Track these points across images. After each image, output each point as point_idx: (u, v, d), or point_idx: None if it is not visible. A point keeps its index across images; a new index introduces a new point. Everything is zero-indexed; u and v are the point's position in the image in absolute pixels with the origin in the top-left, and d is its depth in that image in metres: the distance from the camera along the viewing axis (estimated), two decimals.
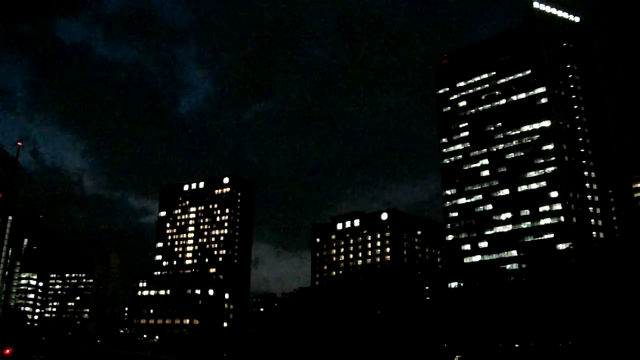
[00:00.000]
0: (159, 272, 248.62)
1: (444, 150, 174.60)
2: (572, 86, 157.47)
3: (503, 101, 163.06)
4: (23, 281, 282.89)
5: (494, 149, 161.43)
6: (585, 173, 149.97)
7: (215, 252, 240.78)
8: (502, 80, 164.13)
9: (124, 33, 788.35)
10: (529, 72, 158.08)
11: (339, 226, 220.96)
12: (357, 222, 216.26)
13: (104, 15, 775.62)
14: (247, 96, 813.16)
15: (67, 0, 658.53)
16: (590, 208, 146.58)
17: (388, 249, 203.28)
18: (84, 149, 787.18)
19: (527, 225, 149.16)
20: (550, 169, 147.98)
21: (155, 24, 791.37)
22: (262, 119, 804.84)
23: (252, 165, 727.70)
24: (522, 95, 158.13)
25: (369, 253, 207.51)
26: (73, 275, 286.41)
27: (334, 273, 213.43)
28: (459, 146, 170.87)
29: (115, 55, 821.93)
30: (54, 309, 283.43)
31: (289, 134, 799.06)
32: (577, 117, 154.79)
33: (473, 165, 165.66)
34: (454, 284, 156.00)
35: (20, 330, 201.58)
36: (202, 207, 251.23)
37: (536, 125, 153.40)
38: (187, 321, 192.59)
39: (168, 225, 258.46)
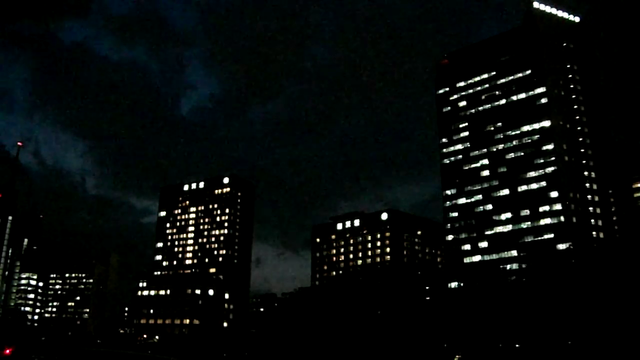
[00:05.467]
0: (159, 272, 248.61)
1: (444, 150, 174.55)
2: (572, 86, 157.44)
3: (503, 101, 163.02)
4: (23, 281, 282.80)
5: (494, 149, 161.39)
6: (585, 173, 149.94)
7: (215, 252, 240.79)
8: (502, 80, 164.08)
9: (129, 34, 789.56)
10: (529, 72, 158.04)
11: (339, 226, 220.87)
12: (357, 222, 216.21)
13: (110, 17, 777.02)
14: (249, 98, 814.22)
15: (73, 2, 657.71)
16: (590, 208, 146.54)
17: (388, 249, 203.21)
18: (85, 149, 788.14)
19: (527, 225, 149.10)
20: (550, 169, 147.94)
21: (161, 25, 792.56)
22: (263, 120, 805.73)
23: (252, 165, 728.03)
24: (522, 95, 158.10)
25: (369, 253, 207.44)
26: (73, 275, 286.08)
27: (334, 273, 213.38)
28: (459, 146, 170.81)
29: (119, 56, 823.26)
30: (54, 309, 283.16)
31: (290, 135, 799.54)
32: (577, 117, 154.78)
33: (473, 165, 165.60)
34: (454, 284, 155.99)
35: (20, 330, 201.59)
36: (202, 207, 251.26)
37: (536, 125, 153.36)
38: (187, 321, 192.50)
39: (168, 225, 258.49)
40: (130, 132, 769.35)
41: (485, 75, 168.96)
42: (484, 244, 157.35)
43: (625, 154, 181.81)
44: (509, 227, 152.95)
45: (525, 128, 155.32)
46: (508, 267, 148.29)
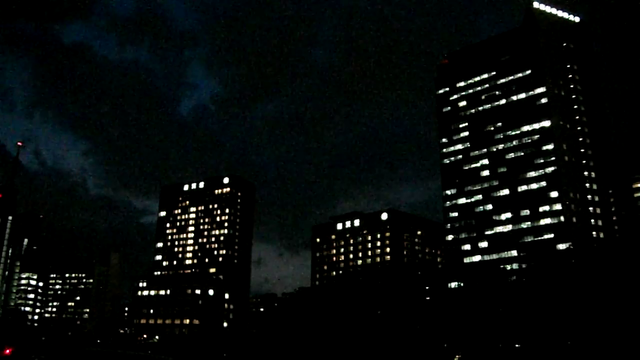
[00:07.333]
0: (159, 272, 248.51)
1: (444, 150, 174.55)
2: (572, 86, 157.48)
3: (503, 101, 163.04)
4: (23, 281, 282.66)
5: (494, 149, 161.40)
6: (585, 173, 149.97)
7: (215, 252, 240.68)
8: (502, 80, 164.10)
9: (130, 35, 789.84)
10: (529, 72, 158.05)
11: (339, 226, 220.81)
12: (357, 222, 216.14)
13: (111, 17, 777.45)
14: (250, 98, 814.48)
15: (75, 2, 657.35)
16: (590, 208, 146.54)
17: (388, 249, 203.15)
18: (86, 149, 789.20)
19: (527, 225, 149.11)
20: (550, 169, 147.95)
21: (162, 26, 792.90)
22: (264, 120, 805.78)
23: (252, 165, 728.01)
24: (522, 95, 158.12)
25: (369, 253, 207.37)
26: (73, 275, 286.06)
27: (334, 273, 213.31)
28: (459, 146, 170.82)
29: (120, 56, 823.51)
30: (54, 309, 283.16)
31: (290, 135, 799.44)
32: (577, 117, 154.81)
33: (473, 165, 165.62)
34: (454, 284, 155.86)
35: (20, 330, 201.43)
36: (202, 207, 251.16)
37: (536, 125, 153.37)
38: (187, 321, 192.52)
39: (168, 225, 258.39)
40: (131, 132, 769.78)
41: (485, 75, 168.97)
42: (484, 244, 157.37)
43: (625, 154, 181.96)
44: (509, 227, 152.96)
45: (525, 128, 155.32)
46: (508, 267, 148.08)
